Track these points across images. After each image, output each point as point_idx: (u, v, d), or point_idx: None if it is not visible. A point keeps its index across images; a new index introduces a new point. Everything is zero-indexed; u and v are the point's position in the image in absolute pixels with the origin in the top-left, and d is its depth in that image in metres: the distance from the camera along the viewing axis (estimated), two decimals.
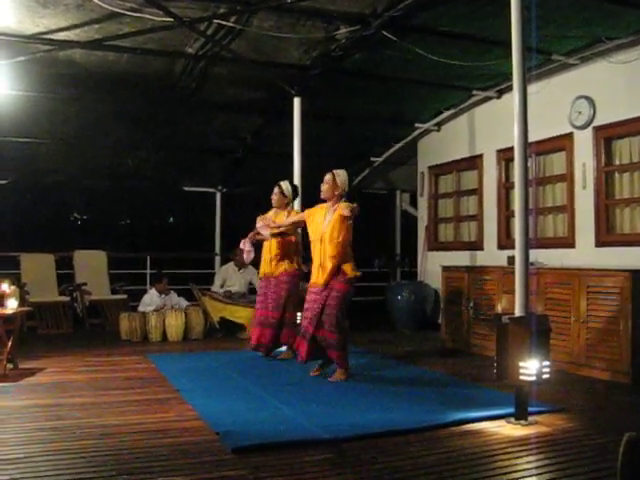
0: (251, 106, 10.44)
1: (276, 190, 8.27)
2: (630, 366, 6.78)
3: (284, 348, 8.44)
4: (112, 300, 11.67)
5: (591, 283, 7.23)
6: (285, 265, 8.12)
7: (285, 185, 8.31)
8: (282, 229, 7.96)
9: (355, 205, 6.71)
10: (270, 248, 8.18)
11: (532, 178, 8.84)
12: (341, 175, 7.04)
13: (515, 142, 5.38)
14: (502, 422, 5.25)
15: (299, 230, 8.19)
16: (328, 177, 7.08)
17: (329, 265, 6.90)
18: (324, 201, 7.20)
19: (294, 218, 7.83)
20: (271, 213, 8.34)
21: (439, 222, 11.87)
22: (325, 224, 7.01)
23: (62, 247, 12.27)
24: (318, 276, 7.03)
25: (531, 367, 5.14)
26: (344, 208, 6.71)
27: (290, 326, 8.15)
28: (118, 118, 10.33)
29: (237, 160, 12.36)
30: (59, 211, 19.54)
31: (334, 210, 6.96)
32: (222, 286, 11.31)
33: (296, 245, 8.30)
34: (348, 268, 6.94)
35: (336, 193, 7.04)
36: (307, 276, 7.60)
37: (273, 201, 8.30)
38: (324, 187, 7.09)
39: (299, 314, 8.29)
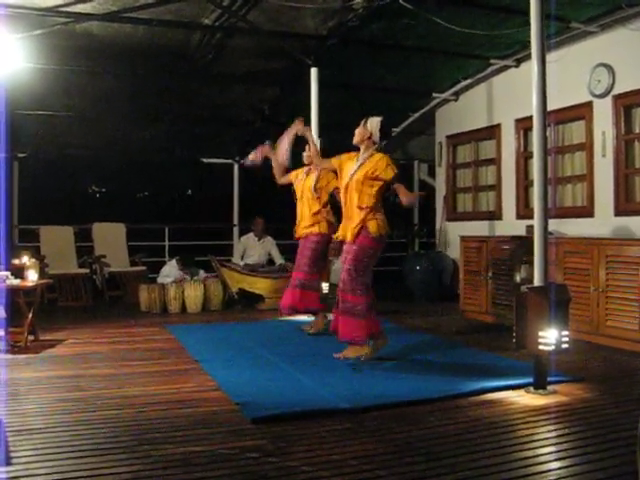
0: (268, 77, 10.38)
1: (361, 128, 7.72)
2: None
3: (307, 319, 8.42)
4: (131, 272, 11.69)
5: (610, 252, 7.19)
6: (313, 227, 7.97)
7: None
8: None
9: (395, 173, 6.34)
10: (301, 210, 8.10)
11: (551, 147, 8.78)
12: (373, 121, 6.53)
13: (534, 111, 5.34)
14: (521, 392, 5.26)
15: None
16: (361, 123, 6.61)
17: (356, 217, 6.36)
18: (357, 149, 6.70)
19: (325, 164, 7.19)
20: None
21: (457, 192, 11.83)
22: (354, 169, 6.48)
23: (81, 219, 12.33)
24: (345, 229, 6.50)
25: (550, 337, 5.13)
26: (384, 169, 6.32)
27: (312, 289, 7.96)
28: (135, 90, 10.30)
29: (255, 131, 12.32)
30: (78, 184, 19.68)
31: (369, 156, 6.46)
32: (242, 257, 11.30)
33: (327, 207, 8.06)
34: (373, 225, 6.31)
35: (365, 138, 6.51)
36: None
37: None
38: (356, 132, 6.59)
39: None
